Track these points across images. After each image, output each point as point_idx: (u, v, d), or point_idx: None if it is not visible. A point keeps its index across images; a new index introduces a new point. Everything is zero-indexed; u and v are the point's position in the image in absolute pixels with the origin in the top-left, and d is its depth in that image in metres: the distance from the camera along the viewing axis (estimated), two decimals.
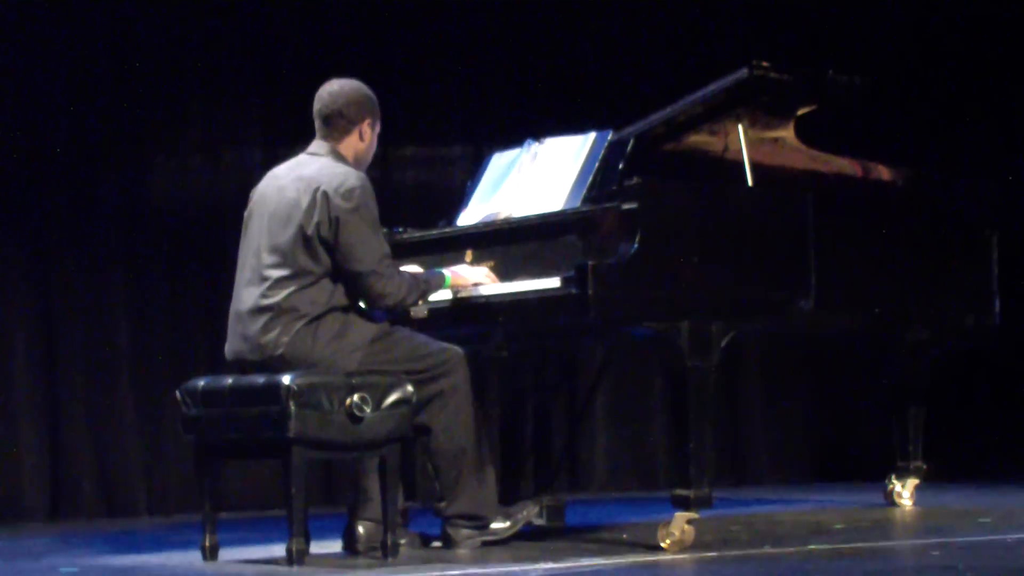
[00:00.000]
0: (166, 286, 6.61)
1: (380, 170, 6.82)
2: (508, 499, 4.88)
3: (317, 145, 4.60)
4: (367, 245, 4.39)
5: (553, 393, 5.41)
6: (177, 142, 6.74)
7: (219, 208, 6.53)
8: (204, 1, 6.71)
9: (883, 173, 5.76)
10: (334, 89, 4.58)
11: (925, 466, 5.87)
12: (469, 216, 5.16)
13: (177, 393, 4.49)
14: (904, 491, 5.86)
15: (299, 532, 4.25)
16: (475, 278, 4.73)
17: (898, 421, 5.89)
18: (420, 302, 4.61)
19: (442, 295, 4.78)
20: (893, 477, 5.88)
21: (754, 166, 5.02)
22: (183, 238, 6.61)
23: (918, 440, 5.87)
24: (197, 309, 6.50)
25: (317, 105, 4.58)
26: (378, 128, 4.65)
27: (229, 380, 4.40)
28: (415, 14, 7.04)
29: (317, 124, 4.60)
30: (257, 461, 5.60)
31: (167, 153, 6.71)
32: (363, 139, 4.60)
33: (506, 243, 4.88)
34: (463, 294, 4.75)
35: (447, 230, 5.15)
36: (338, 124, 4.56)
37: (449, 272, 4.70)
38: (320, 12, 6.88)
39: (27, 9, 6.46)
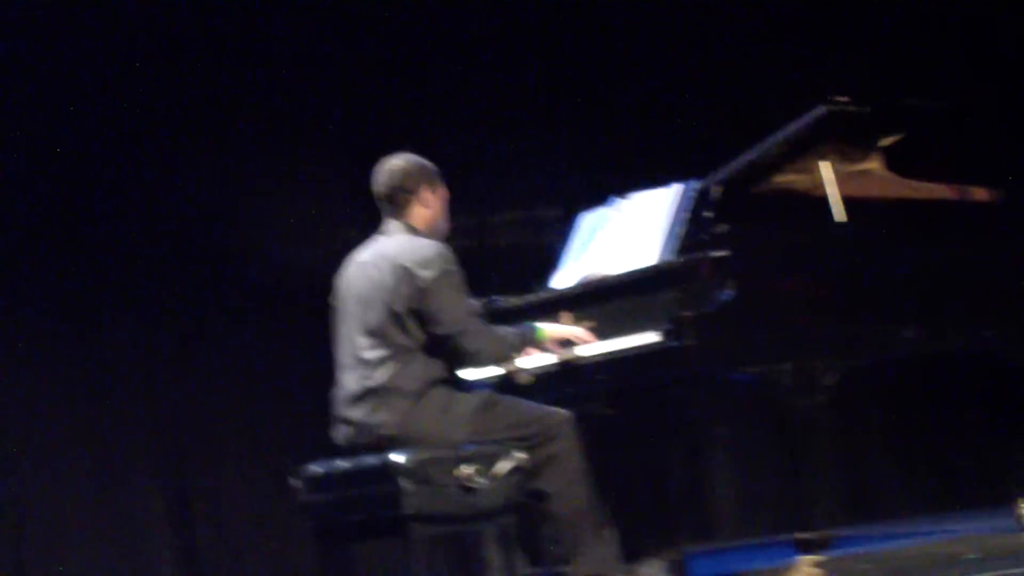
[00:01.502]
0: (281, 370, 6.73)
1: (473, 238, 6.92)
2: (631, 556, 4.87)
3: (388, 224, 4.64)
4: (454, 306, 4.44)
5: (666, 445, 5.40)
6: (282, 224, 6.87)
7: (323, 290, 6.63)
8: (303, 85, 6.84)
9: (979, 194, 5.70)
10: (385, 167, 4.64)
11: None
12: (563, 279, 5.20)
13: (293, 481, 4.55)
14: None
15: None
16: (569, 332, 4.75)
17: (1021, 444, 5.79)
18: (515, 355, 4.64)
19: (544, 359, 4.81)
20: (1022, 501, 5.77)
21: (845, 201, 5.01)
22: (288, 323, 6.73)
23: None
24: (307, 391, 6.59)
25: (374, 188, 4.64)
26: (443, 192, 4.67)
27: (343, 463, 4.46)
28: (498, 83, 7.13)
29: (380, 205, 4.65)
30: (377, 541, 5.64)
31: (275, 237, 6.85)
32: (427, 206, 4.64)
33: (602, 302, 4.91)
34: (565, 356, 4.77)
35: (543, 295, 5.18)
36: (398, 199, 4.61)
37: (540, 325, 4.72)
38: (407, 83, 6.99)
39: (122, 86, 6.63)
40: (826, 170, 5.06)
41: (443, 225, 4.68)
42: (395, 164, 4.64)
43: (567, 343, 4.74)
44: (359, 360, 4.49)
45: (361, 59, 6.98)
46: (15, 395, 6.48)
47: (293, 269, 6.84)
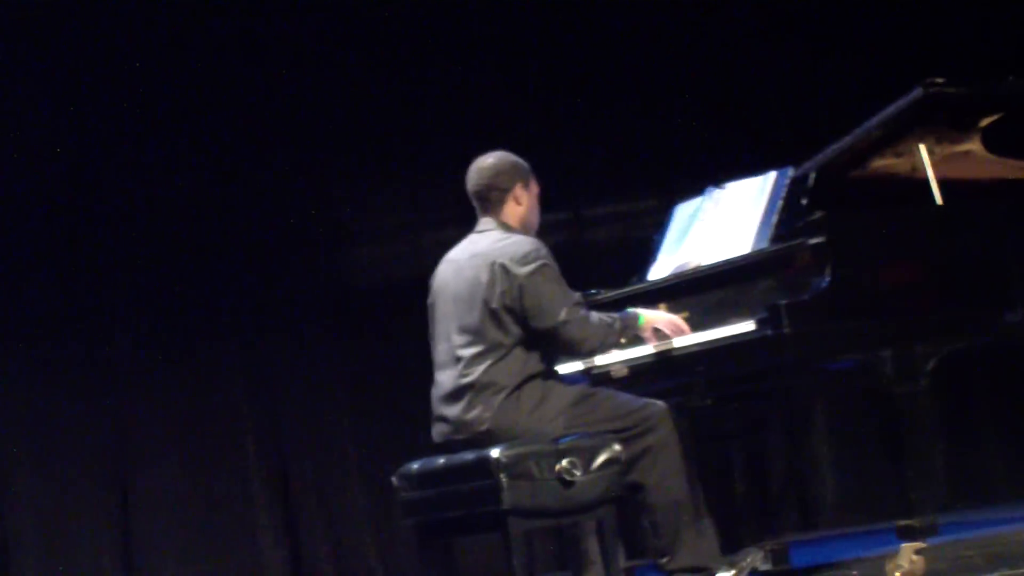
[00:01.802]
0: (382, 369, 6.80)
1: (571, 232, 6.93)
2: (731, 547, 4.86)
3: (483, 222, 4.69)
4: (554, 299, 4.46)
5: (766, 434, 5.38)
6: (373, 226, 6.94)
7: (419, 289, 6.69)
8: (393, 83, 6.90)
9: None
10: (478, 166, 4.69)
11: None
12: (659, 270, 5.19)
13: (393, 479, 4.60)
14: None
15: None
16: (670, 319, 4.75)
17: None
18: (622, 341, 4.64)
19: (640, 351, 4.81)
20: None
21: (944, 183, 4.94)
22: (388, 323, 6.79)
23: None
24: (409, 391, 6.65)
25: (468, 187, 4.69)
26: (535, 189, 4.71)
27: (441, 460, 4.49)
28: (593, 77, 7.13)
29: (475, 204, 4.70)
30: (478, 536, 5.68)
31: (370, 237, 6.92)
32: (520, 203, 4.67)
33: (698, 292, 4.89)
34: (661, 347, 4.77)
35: (639, 286, 5.17)
36: (492, 196, 4.65)
37: (642, 312, 4.72)
38: (506, 83, 7.03)
39: (219, 100, 6.73)
40: (924, 153, 4.99)
41: (535, 221, 4.73)
42: (488, 162, 4.68)
43: (665, 333, 4.73)
44: (455, 358, 4.52)
45: (456, 58, 7.02)
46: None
47: (392, 269, 6.91)
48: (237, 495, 6.65)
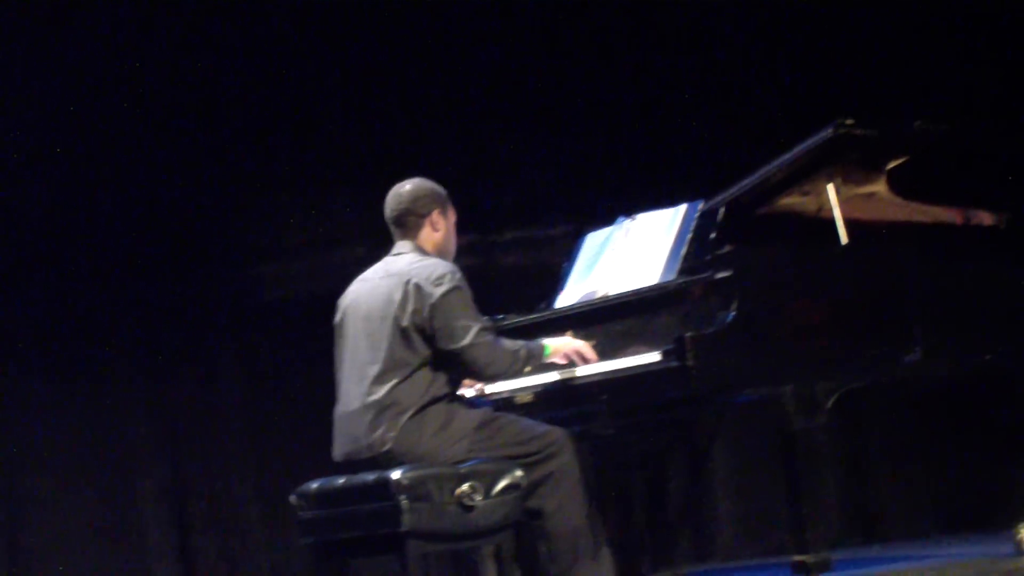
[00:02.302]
0: (284, 386, 6.75)
1: (479, 257, 6.93)
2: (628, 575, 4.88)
3: (399, 245, 4.70)
4: (464, 321, 4.47)
5: (665, 465, 5.40)
6: (279, 243, 6.89)
7: (323, 307, 6.65)
8: (303, 102, 6.87)
9: (984, 217, 5.70)
10: (396, 192, 4.72)
11: None
12: (567, 297, 5.20)
13: (291, 497, 4.56)
14: None
15: None
16: (576, 347, 4.76)
17: (1022, 466, 5.78)
18: (526, 370, 4.65)
19: (544, 378, 4.82)
20: (1021, 526, 5.76)
21: (849, 223, 5.01)
22: (291, 340, 6.74)
23: None
24: (309, 410, 6.61)
25: (386, 212, 4.71)
26: (452, 216, 4.74)
27: (341, 480, 4.47)
28: (507, 103, 7.15)
29: (392, 229, 4.71)
30: (376, 558, 5.65)
31: (273, 255, 6.87)
32: (437, 229, 4.69)
33: (605, 321, 4.91)
34: (565, 375, 4.78)
35: (546, 313, 5.19)
36: (408, 221, 4.67)
37: (548, 342, 4.74)
38: (417, 106, 7.02)
39: (134, 116, 6.66)
40: (831, 192, 5.06)
41: (452, 248, 4.75)
42: (406, 188, 4.71)
43: (572, 360, 4.75)
44: (361, 376, 4.51)
45: (368, 79, 7.01)
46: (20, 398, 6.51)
47: (300, 286, 6.86)
48: (130, 510, 6.55)
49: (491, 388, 4.94)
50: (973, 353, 5.24)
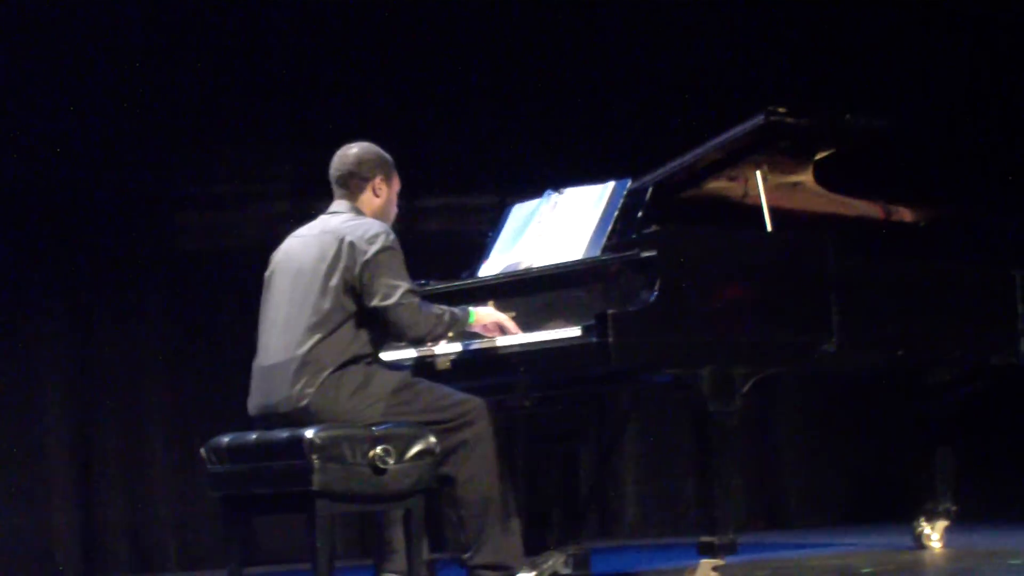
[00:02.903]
0: (200, 338, 6.68)
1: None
2: (534, 549, 4.89)
3: (337, 204, 4.69)
4: (392, 280, 4.46)
5: (579, 440, 5.42)
6: (205, 194, 6.82)
7: (245, 260, 6.60)
8: (233, 56, 6.80)
9: (905, 214, 5.77)
10: (345, 152, 4.71)
11: (955, 508, 5.83)
12: (490, 267, 5.20)
13: (202, 450, 4.52)
14: (933, 533, 5.82)
15: None
16: (497, 318, 4.76)
17: (927, 462, 5.86)
18: (449, 334, 4.65)
19: (464, 346, 4.81)
20: (922, 519, 5.85)
21: (773, 211, 5.05)
22: (210, 291, 6.68)
23: (947, 481, 5.84)
24: (228, 363, 6.55)
25: (331, 171, 4.70)
26: (396, 185, 4.74)
27: (253, 435, 4.43)
28: (439, 68, 7.12)
29: (334, 188, 4.70)
30: (286, 515, 5.63)
31: (195, 205, 6.79)
32: (378, 195, 4.69)
33: (527, 293, 4.91)
34: (485, 345, 4.78)
35: (468, 281, 5.18)
36: (351, 183, 4.66)
37: (473, 309, 4.74)
38: (347, 66, 6.97)
39: (59, 65, 6.56)
40: (759, 179, 5.09)
41: (391, 216, 4.74)
42: (352, 151, 4.70)
43: (495, 330, 4.75)
44: (285, 330, 4.48)
45: (300, 38, 6.95)
46: None
47: (223, 238, 6.80)
48: (34, 458, 6.46)
49: (411, 353, 4.93)
50: (886, 347, 5.30)
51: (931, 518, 5.83)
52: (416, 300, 4.50)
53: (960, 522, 5.89)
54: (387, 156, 4.73)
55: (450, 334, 4.66)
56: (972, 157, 7.50)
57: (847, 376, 6.38)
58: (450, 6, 7.16)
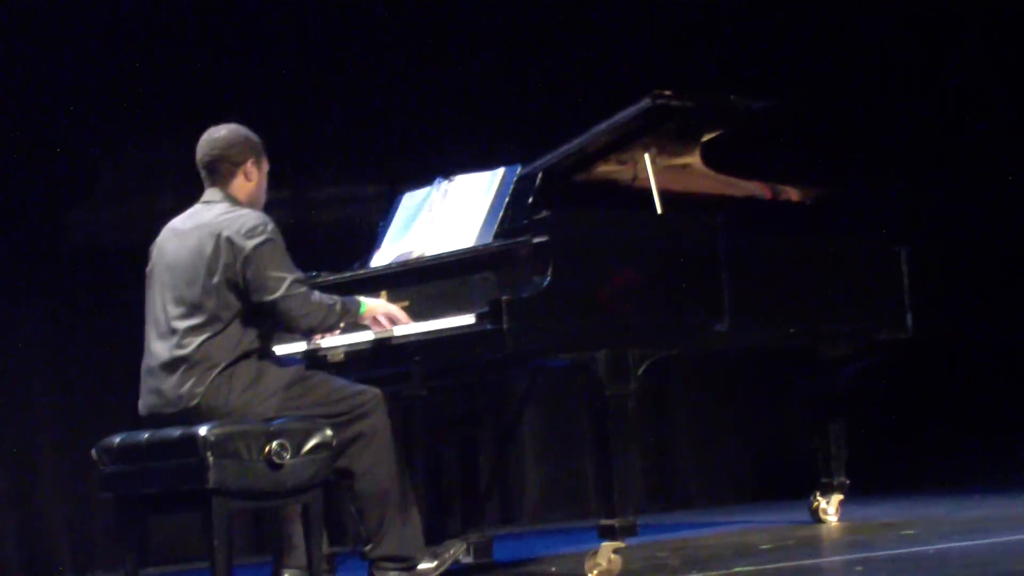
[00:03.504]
0: (89, 337, 6.57)
1: (295, 212, 6.83)
2: (435, 538, 4.88)
3: (209, 193, 4.59)
4: (277, 273, 4.39)
5: (477, 428, 5.41)
6: (91, 188, 6.70)
7: (134, 257, 6.48)
8: (118, 49, 6.69)
9: (792, 194, 5.83)
10: (211, 136, 4.60)
11: (848, 481, 5.92)
12: (382, 257, 5.17)
13: (93, 451, 4.44)
14: (829, 507, 5.91)
15: None
16: (390, 310, 4.73)
17: (820, 438, 5.93)
18: (341, 324, 4.61)
19: (358, 337, 4.78)
20: (818, 494, 5.93)
21: (663, 193, 5.07)
22: (99, 289, 6.56)
23: (840, 456, 5.92)
24: (116, 361, 6.44)
25: (198, 155, 4.59)
26: (265, 166, 4.65)
27: (145, 435, 4.35)
28: (326, 56, 7.06)
29: (203, 175, 4.60)
30: (180, 514, 5.55)
31: (82, 199, 6.67)
32: (249, 179, 4.60)
33: (420, 282, 4.89)
34: (379, 335, 4.74)
35: (360, 272, 5.14)
36: (221, 169, 4.57)
37: (364, 300, 4.70)
38: (234, 57, 6.88)
39: None
40: (647, 162, 5.11)
41: (263, 198, 4.66)
42: (220, 134, 4.59)
43: (386, 322, 4.71)
44: (171, 329, 4.40)
45: (186, 27, 6.84)
46: None
47: (108, 234, 6.68)
48: None
49: (303, 346, 4.88)
50: (778, 325, 5.36)
51: (826, 492, 5.91)
52: (304, 289, 4.44)
53: (856, 495, 5.98)
54: (255, 137, 4.62)
55: (342, 325, 4.62)
56: (856, 136, 7.61)
57: (741, 355, 6.43)
58: None
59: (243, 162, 4.58)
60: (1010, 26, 7.63)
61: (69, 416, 6.46)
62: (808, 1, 7.67)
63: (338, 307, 4.53)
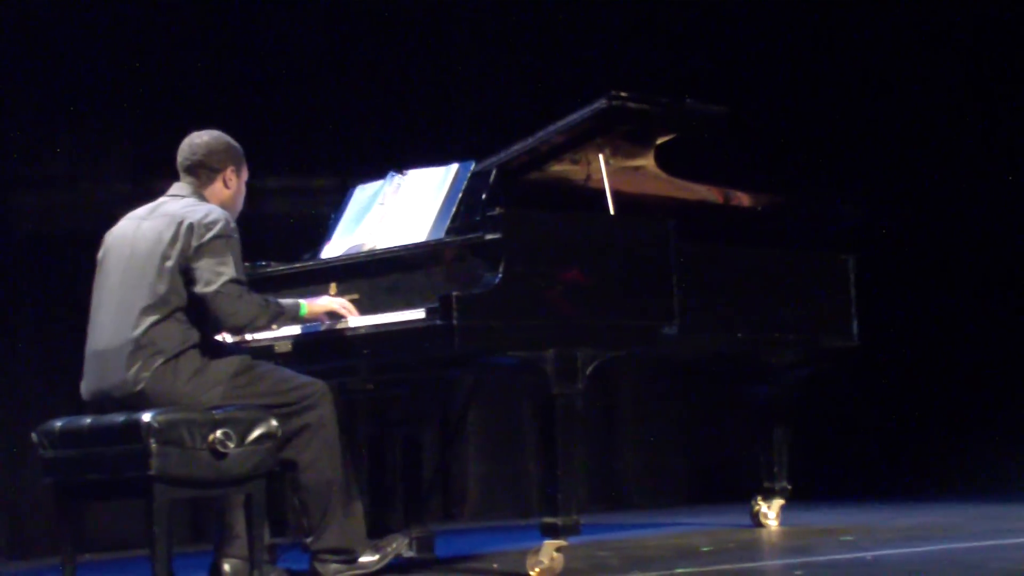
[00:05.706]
0: (32, 321, 6.50)
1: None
2: (377, 532, 4.86)
3: (179, 187, 4.59)
4: (218, 268, 4.36)
5: (422, 424, 5.40)
6: (41, 175, 6.64)
7: (83, 243, 6.43)
8: (71, 32, 6.63)
9: (743, 199, 5.86)
10: (195, 140, 4.60)
11: (790, 487, 5.97)
12: (333, 249, 5.15)
13: (33, 435, 4.39)
14: (770, 512, 5.95)
15: (163, 572, 4.16)
16: (332, 307, 4.71)
17: (764, 443, 5.98)
18: (273, 326, 4.60)
19: (308, 328, 4.76)
20: (759, 498, 5.98)
21: (615, 195, 5.08)
22: (45, 274, 6.50)
23: (783, 461, 5.97)
24: (61, 346, 6.39)
25: (179, 158, 4.60)
26: (244, 175, 4.66)
27: (88, 420, 4.32)
28: (280, 48, 7.03)
29: (181, 175, 4.61)
30: (121, 501, 5.51)
31: (31, 186, 6.61)
32: (228, 186, 4.61)
33: (370, 275, 4.88)
34: (327, 327, 4.73)
35: (310, 264, 5.12)
36: (200, 173, 4.58)
37: (305, 302, 4.68)
38: (187, 46, 6.85)
39: None
40: (601, 163, 5.12)
41: (238, 208, 4.67)
42: (203, 139, 4.61)
43: (333, 316, 4.70)
44: (119, 313, 4.37)
45: (139, 18, 6.79)
46: None
47: (59, 221, 6.62)
48: None
49: (252, 336, 4.85)
50: (727, 330, 5.39)
51: (767, 497, 5.96)
52: (237, 289, 4.39)
53: (796, 501, 6.02)
54: (237, 146, 4.64)
55: (274, 326, 4.60)
56: (807, 145, 7.65)
57: (687, 358, 6.46)
58: None
59: (223, 169, 4.59)
60: (957, 31, 7.70)
61: (10, 399, 6.39)
62: (763, 9, 7.71)
63: (272, 309, 4.50)
